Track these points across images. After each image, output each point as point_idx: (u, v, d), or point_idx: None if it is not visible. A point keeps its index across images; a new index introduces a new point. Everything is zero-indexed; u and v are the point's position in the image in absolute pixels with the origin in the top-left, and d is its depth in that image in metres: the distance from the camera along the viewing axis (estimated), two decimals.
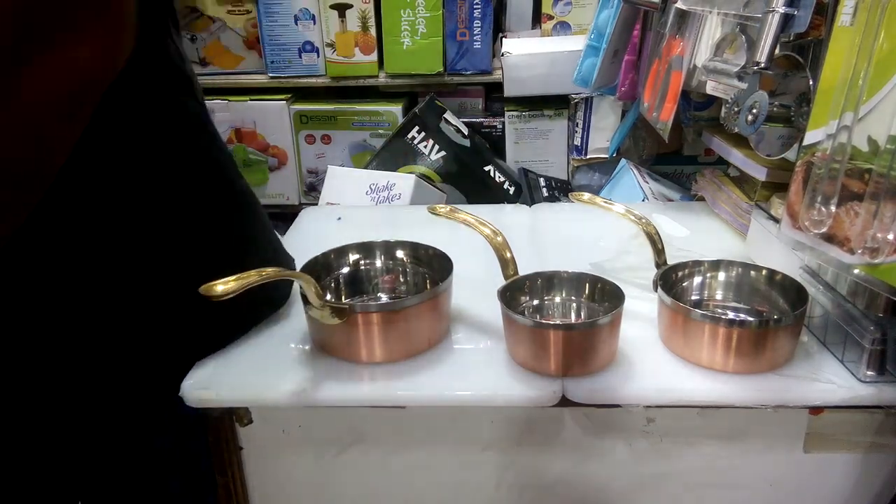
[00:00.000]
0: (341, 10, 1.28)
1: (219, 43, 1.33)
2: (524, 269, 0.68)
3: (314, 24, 1.29)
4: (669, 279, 0.68)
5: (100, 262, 0.59)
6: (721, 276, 0.70)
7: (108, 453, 0.69)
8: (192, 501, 0.73)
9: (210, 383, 0.62)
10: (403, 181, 1.13)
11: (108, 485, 0.72)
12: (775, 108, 0.75)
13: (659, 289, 0.64)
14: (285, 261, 0.75)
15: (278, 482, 0.68)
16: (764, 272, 0.68)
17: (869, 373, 0.60)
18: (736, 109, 0.81)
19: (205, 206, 0.64)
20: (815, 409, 0.62)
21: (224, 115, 1.33)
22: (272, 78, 1.33)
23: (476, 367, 0.63)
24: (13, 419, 0.61)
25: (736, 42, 0.80)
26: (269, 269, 0.58)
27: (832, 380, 0.60)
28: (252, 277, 0.55)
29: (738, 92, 0.80)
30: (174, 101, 0.61)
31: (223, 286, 0.53)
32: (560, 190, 1.23)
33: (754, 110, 0.74)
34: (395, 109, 1.32)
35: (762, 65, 0.69)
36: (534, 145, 1.31)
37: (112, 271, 0.60)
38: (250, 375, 0.63)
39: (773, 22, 0.66)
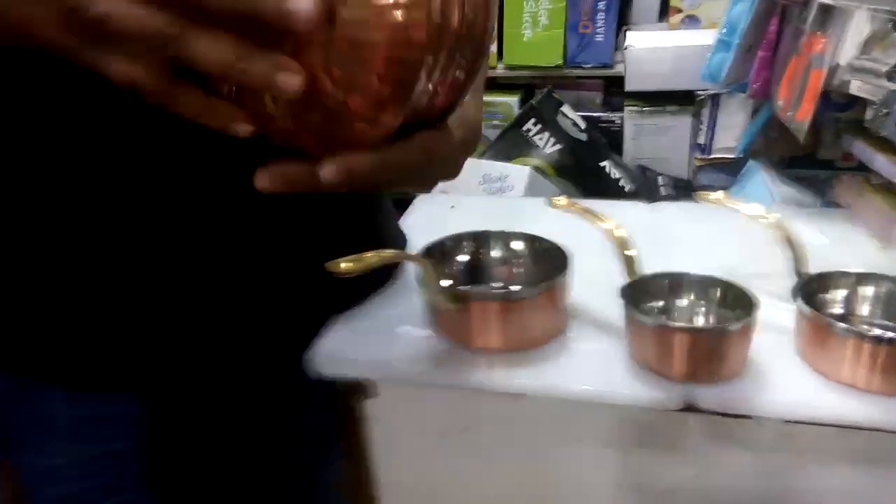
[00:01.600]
0: None
1: None
2: (646, 269, 0.66)
3: None
4: (810, 290, 0.63)
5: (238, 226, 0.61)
6: (869, 290, 0.64)
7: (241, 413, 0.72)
8: (319, 466, 0.75)
9: (338, 354, 0.64)
10: (517, 173, 1.12)
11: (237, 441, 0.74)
12: None
13: (799, 299, 0.60)
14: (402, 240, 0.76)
15: (398, 455, 0.69)
16: None
17: None
18: (884, 112, 0.75)
19: None
20: None
21: None
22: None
23: (595, 364, 0.62)
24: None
25: (887, 39, 0.74)
26: (389, 252, 0.59)
27: None
28: (373, 259, 0.56)
29: (887, 93, 0.74)
30: None
31: (346, 264, 0.54)
32: (680, 189, 1.19)
33: None
34: (512, 101, 1.31)
35: None
36: (654, 142, 1.27)
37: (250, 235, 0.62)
38: (376, 351, 0.65)
39: None
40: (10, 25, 0.34)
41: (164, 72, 0.33)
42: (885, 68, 0.72)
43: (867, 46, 0.78)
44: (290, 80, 0.33)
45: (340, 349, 0.65)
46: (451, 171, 0.53)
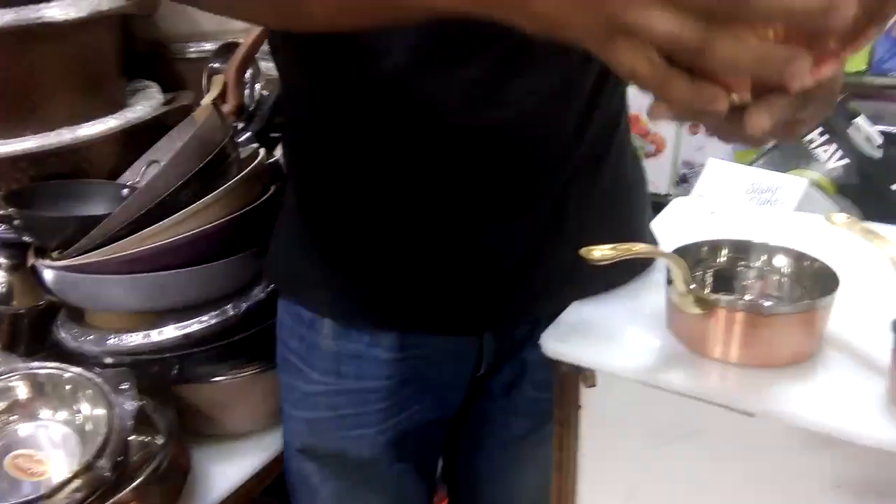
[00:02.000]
0: None
1: None
2: None
3: None
4: None
5: None
6: None
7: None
8: (535, 425, 0.80)
9: (568, 338, 0.67)
10: (791, 185, 1.05)
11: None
12: None
13: None
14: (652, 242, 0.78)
15: (607, 449, 0.71)
16: None
17: None
18: None
19: None
20: None
21: None
22: None
23: (844, 398, 0.57)
24: None
25: None
26: (643, 246, 0.60)
27: None
28: (626, 251, 0.58)
29: None
30: None
31: (600, 252, 0.57)
32: None
33: None
34: None
35: None
36: None
37: None
38: (605, 341, 0.67)
39: None
40: (549, 19, 0.39)
41: (664, 64, 0.36)
42: None
43: None
44: (801, 67, 0.33)
45: (572, 333, 0.68)
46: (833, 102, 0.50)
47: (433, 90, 0.62)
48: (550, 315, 0.70)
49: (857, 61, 1.13)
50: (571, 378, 0.69)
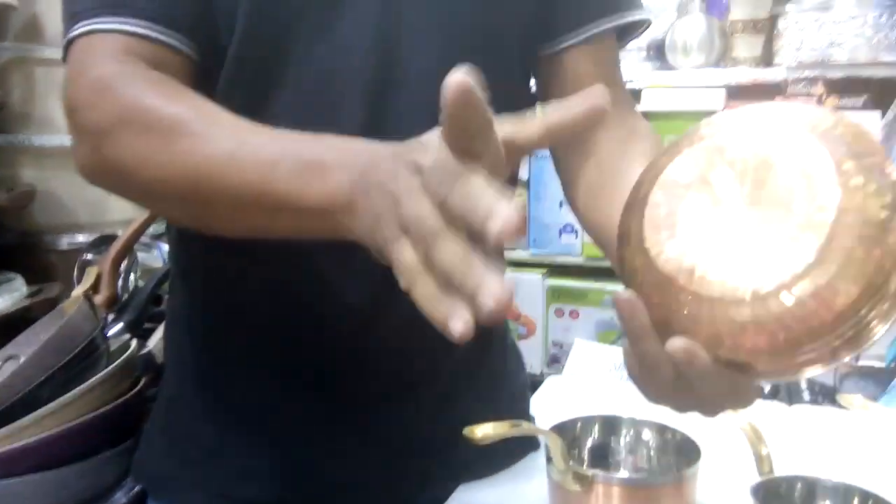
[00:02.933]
0: None
1: None
2: (780, 471, 0.64)
3: None
4: None
5: None
6: None
7: None
8: None
9: None
10: None
11: None
12: None
13: None
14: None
15: None
16: None
17: None
18: None
19: None
20: None
21: None
22: (533, 254, 1.45)
23: None
24: None
25: None
26: (524, 424, 0.63)
27: None
28: (507, 428, 0.60)
29: None
30: None
31: (482, 432, 0.59)
32: (824, 395, 1.13)
33: None
34: None
35: None
36: None
37: None
38: None
39: None
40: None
41: (422, 259, 0.37)
42: None
43: None
44: (488, 302, 0.34)
45: None
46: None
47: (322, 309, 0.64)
48: (436, 500, 0.69)
49: None
50: None
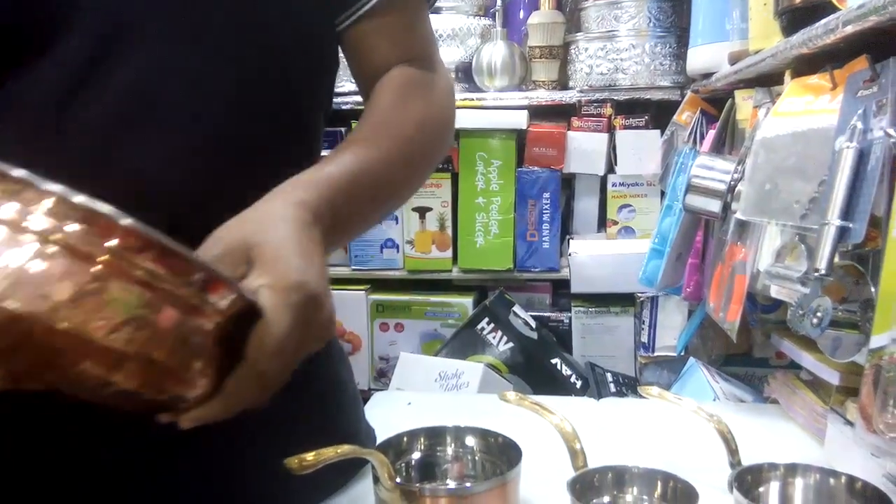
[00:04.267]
0: (422, 212, 1.40)
1: None
2: (593, 462, 0.68)
3: (396, 223, 1.42)
4: (745, 482, 0.67)
5: None
6: (798, 481, 0.68)
7: None
8: None
9: None
10: (472, 370, 1.16)
11: None
12: (840, 313, 0.76)
13: (735, 490, 0.63)
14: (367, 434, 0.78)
15: None
16: (843, 479, 0.66)
17: None
18: (801, 312, 0.83)
19: None
20: None
21: None
22: (354, 270, 1.43)
23: None
24: None
25: (796, 250, 0.84)
26: (346, 447, 0.60)
27: None
28: (329, 454, 0.58)
29: (801, 296, 0.82)
30: None
31: (299, 462, 0.56)
32: (628, 386, 1.24)
33: (818, 314, 0.77)
34: (466, 301, 1.39)
35: (822, 272, 0.72)
36: (600, 341, 1.34)
37: None
38: None
39: (830, 234, 0.70)
40: None
41: None
42: (797, 275, 0.81)
43: (780, 256, 0.87)
44: None
45: None
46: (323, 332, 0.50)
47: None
48: None
49: (504, 261, 1.35)
50: None
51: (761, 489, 0.68)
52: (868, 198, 0.67)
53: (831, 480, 0.67)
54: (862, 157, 0.68)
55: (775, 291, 0.89)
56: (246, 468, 0.65)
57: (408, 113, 0.67)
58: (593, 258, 1.30)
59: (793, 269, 0.83)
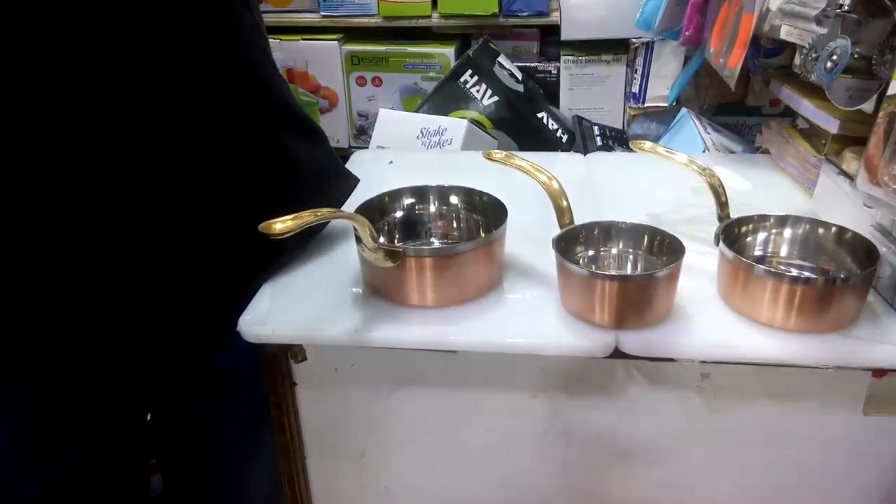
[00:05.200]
0: None
1: None
2: (580, 219, 0.67)
3: None
4: (732, 233, 0.66)
5: (142, 184, 0.60)
6: (787, 232, 0.67)
7: (170, 374, 0.71)
8: (252, 424, 0.76)
9: (266, 319, 0.63)
10: (455, 126, 1.11)
11: (169, 407, 0.74)
12: (854, 57, 0.70)
13: (721, 243, 0.62)
14: (348, 183, 0.76)
15: (330, 417, 0.69)
16: (833, 229, 0.65)
17: None
18: (814, 56, 0.76)
19: (256, 123, 0.65)
20: (879, 372, 0.60)
21: (276, 55, 1.32)
22: (324, 17, 1.31)
23: (528, 316, 0.63)
24: (71, 346, 0.63)
25: None
26: (325, 210, 0.58)
27: None
28: (307, 217, 0.55)
29: (816, 37, 0.75)
30: (224, 9, 0.61)
31: (281, 225, 0.54)
32: (615, 139, 1.20)
33: (834, 57, 0.70)
34: (448, 52, 1.29)
35: (846, 7, 0.65)
36: (589, 92, 1.27)
37: (156, 195, 0.60)
38: (305, 314, 0.64)
39: None
40: None
41: None
42: (813, 12, 0.73)
43: None
44: None
45: (270, 312, 0.64)
46: None
47: None
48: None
49: (489, 5, 1.23)
50: (280, 358, 0.66)
51: (748, 240, 0.67)
52: None
53: (820, 230, 0.66)
54: None
55: (786, 32, 0.81)
56: None
57: None
58: None
59: (809, 6, 0.75)
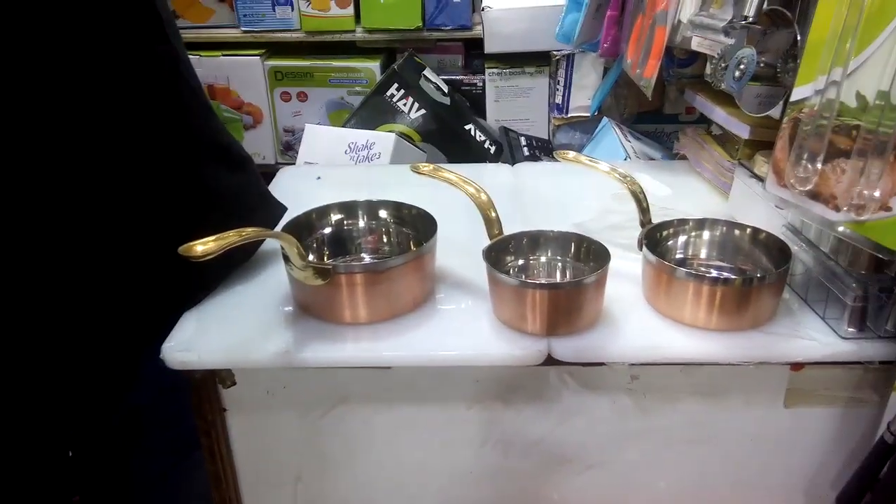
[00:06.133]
0: None
1: None
2: (509, 229, 0.67)
3: None
4: (654, 238, 0.68)
5: (67, 213, 0.57)
6: (705, 234, 0.70)
7: (88, 410, 0.68)
8: (176, 459, 0.73)
9: (191, 345, 0.61)
10: (383, 140, 1.11)
11: (89, 443, 0.71)
12: (760, 65, 0.74)
13: (644, 247, 0.64)
14: (273, 212, 0.74)
15: (263, 443, 0.67)
16: (747, 230, 0.68)
17: (850, 329, 0.60)
18: (723, 66, 0.80)
19: (175, 155, 0.63)
20: (797, 366, 0.63)
21: (196, 71, 1.29)
22: (245, 32, 1.29)
23: (461, 327, 0.63)
24: None
25: None
26: (249, 230, 0.56)
27: (814, 336, 0.61)
28: (231, 238, 0.54)
29: (724, 48, 0.79)
30: (141, 45, 0.59)
31: (202, 247, 0.52)
32: (541, 149, 1.22)
33: (741, 66, 0.74)
34: (373, 66, 1.29)
35: (750, 19, 0.68)
36: (514, 104, 1.29)
37: (80, 224, 0.58)
38: (232, 337, 0.62)
39: None
40: None
41: None
42: (721, 24, 0.77)
43: (705, 3, 0.82)
44: None
45: (195, 338, 0.62)
46: None
47: None
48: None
49: (412, 18, 1.23)
50: (207, 384, 0.64)
51: (669, 243, 0.69)
52: None
53: (736, 232, 0.69)
54: None
55: (696, 43, 0.85)
56: None
57: None
58: (508, 12, 1.20)
59: (717, 18, 0.79)
